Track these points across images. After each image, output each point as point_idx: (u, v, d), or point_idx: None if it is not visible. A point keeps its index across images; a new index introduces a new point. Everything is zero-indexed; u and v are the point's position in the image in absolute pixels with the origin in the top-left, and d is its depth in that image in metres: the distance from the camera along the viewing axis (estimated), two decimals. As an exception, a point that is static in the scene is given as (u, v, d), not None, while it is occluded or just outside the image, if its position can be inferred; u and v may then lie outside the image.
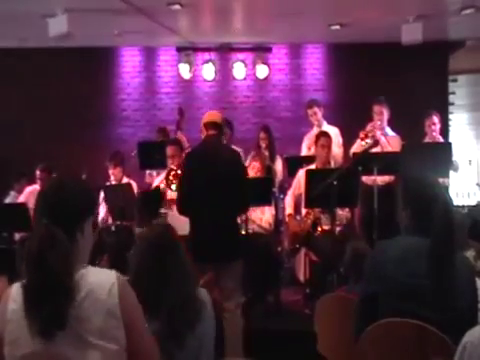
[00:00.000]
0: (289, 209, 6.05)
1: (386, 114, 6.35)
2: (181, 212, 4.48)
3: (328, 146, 5.91)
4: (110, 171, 6.72)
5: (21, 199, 7.03)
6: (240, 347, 4.36)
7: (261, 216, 5.98)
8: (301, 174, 5.84)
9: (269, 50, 9.38)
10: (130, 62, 9.67)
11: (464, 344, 1.95)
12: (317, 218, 5.73)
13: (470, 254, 3.54)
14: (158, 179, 6.51)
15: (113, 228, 6.38)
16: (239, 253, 4.43)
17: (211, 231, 4.26)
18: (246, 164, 6.48)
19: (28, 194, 6.99)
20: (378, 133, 6.10)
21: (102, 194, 6.32)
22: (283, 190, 6.88)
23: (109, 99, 9.62)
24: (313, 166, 5.91)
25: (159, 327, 2.44)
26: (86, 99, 9.20)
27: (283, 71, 9.63)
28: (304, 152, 7.15)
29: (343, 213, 5.79)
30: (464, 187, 10.13)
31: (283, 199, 6.56)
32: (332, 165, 6.10)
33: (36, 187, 7.04)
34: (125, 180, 6.68)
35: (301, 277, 5.99)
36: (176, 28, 8.24)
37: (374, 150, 5.81)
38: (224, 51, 9.40)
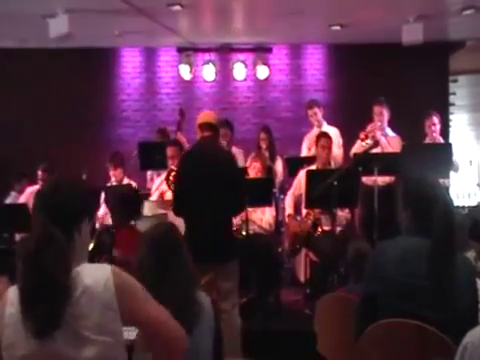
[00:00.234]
0: (289, 209, 6.05)
1: (386, 115, 6.35)
2: (176, 213, 4.50)
3: (329, 147, 5.91)
4: (111, 172, 6.72)
5: (22, 199, 7.03)
6: (239, 347, 4.36)
7: (261, 217, 5.98)
8: (301, 174, 5.85)
9: (269, 51, 9.38)
10: (130, 63, 9.67)
11: (465, 344, 1.94)
12: (317, 218, 5.73)
13: (471, 255, 3.55)
14: (158, 180, 6.51)
15: (113, 229, 6.36)
16: (234, 253, 4.43)
17: (206, 232, 4.26)
18: (247, 164, 6.50)
19: (29, 194, 6.98)
20: (378, 134, 6.10)
21: (103, 195, 6.32)
22: (283, 191, 6.88)
23: (109, 100, 9.62)
24: (313, 167, 5.91)
25: None
26: (86, 100, 9.20)
27: (283, 72, 9.63)
28: (304, 152, 7.15)
29: (343, 214, 5.79)
30: (464, 188, 10.12)
31: (283, 199, 6.57)
32: (332, 166, 6.10)
33: (37, 187, 7.04)
34: (126, 181, 6.68)
35: (301, 277, 5.99)
36: (176, 29, 8.25)
37: (374, 151, 5.82)
38: (224, 52, 9.40)
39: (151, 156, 6.50)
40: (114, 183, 6.71)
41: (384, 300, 2.46)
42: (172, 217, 4.75)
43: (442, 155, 5.65)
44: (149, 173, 7.37)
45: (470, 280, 2.48)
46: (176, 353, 2.03)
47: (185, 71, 9.24)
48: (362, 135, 6.09)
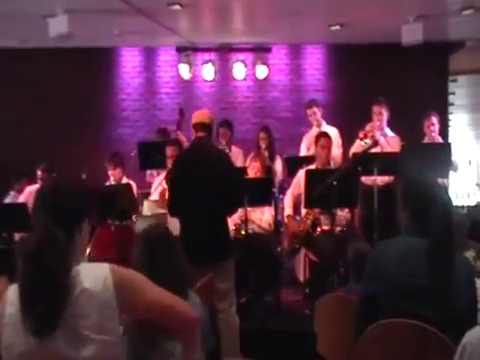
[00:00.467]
0: (288, 209, 6.04)
1: (385, 114, 6.35)
2: (171, 213, 4.52)
3: (328, 147, 5.91)
4: (110, 172, 6.71)
5: (21, 199, 7.02)
6: (237, 346, 4.37)
7: (261, 216, 5.98)
8: (301, 174, 5.85)
9: (269, 50, 9.39)
10: (130, 62, 9.67)
11: (464, 344, 1.95)
12: (316, 218, 5.73)
13: (470, 254, 3.54)
14: (158, 179, 6.52)
15: (113, 228, 6.36)
16: (230, 253, 4.44)
17: (201, 232, 4.26)
18: (246, 164, 6.50)
19: (28, 194, 6.97)
20: (377, 133, 6.10)
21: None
22: (283, 190, 6.88)
23: (109, 99, 9.63)
24: (313, 166, 5.91)
25: None
26: (86, 99, 9.20)
27: (283, 71, 9.63)
28: (303, 152, 7.15)
29: (343, 213, 5.79)
30: (464, 187, 10.12)
31: (283, 199, 6.57)
32: (331, 166, 6.10)
33: (36, 187, 7.04)
34: (125, 180, 6.68)
35: (301, 277, 5.99)
36: (176, 28, 8.25)
37: (374, 150, 5.81)
38: (224, 51, 9.40)
39: (150, 156, 6.50)
40: (113, 182, 6.70)
41: (384, 300, 2.46)
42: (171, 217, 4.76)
43: (441, 155, 5.65)
44: (148, 172, 7.37)
45: (469, 280, 2.49)
46: (189, 333, 2.11)
47: (184, 71, 9.25)
48: (361, 134, 6.09)
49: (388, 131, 6.36)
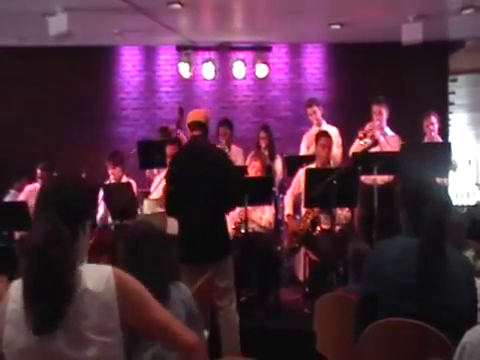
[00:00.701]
0: (288, 209, 6.05)
1: (385, 114, 6.34)
2: (169, 213, 4.54)
3: (329, 146, 5.91)
4: (109, 170, 6.72)
5: (21, 198, 7.02)
6: (238, 344, 4.37)
7: (261, 215, 5.98)
8: (301, 173, 5.85)
9: (269, 49, 9.39)
10: (130, 61, 9.66)
11: (463, 344, 1.95)
12: (316, 217, 5.73)
13: (469, 254, 3.54)
14: (158, 178, 6.52)
15: (112, 227, 6.38)
16: (228, 250, 4.44)
17: (200, 231, 4.27)
18: (246, 163, 6.50)
19: (28, 193, 6.98)
20: (377, 133, 6.09)
21: (101, 193, 6.33)
22: (283, 189, 6.88)
23: (109, 98, 9.62)
24: (313, 165, 5.91)
25: None
26: (86, 98, 9.19)
27: (283, 70, 9.63)
28: (303, 151, 7.15)
29: (343, 212, 5.79)
30: (463, 187, 10.14)
31: (283, 198, 6.57)
32: (331, 165, 6.10)
33: (36, 186, 7.04)
34: (124, 179, 6.68)
35: (301, 276, 5.99)
36: (176, 27, 8.24)
37: (373, 150, 5.81)
38: (224, 50, 9.39)
39: (151, 154, 6.50)
40: (113, 181, 6.71)
41: (383, 299, 2.47)
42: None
43: (441, 154, 5.65)
44: (148, 171, 7.37)
45: (469, 279, 2.49)
46: (192, 357, 2.01)
47: (184, 69, 9.24)
48: (360, 134, 6.08)
49: (388, 130, 6.36)
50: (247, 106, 9.61)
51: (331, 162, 6.11)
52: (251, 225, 5.79)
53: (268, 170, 6.44)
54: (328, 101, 9.06)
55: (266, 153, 6.96)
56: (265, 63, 9.27)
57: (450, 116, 9.82)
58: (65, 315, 1.81)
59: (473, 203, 9.05)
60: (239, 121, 8.88)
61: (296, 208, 6.09)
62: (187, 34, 8.72)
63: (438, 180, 5.00)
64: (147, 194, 6.63)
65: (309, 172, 5.48)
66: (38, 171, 7.06)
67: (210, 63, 9.21)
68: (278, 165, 7.15)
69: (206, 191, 4.26)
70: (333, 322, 3.37)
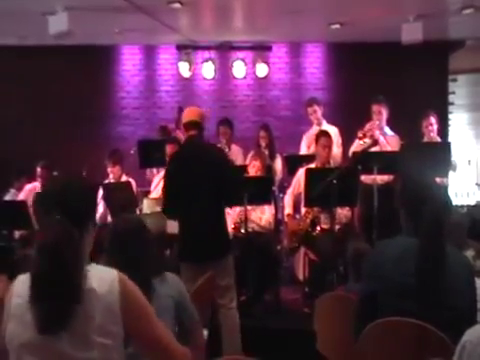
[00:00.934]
0: (288, 209, 6.05)
1: (385, 114, 6.33)
2: (166, 213, 4.52)
3: (329, 146, 5.90)
4: (109, 169, 6.70)
5: (21, 197, 7.02)
6: (239, 341, 4.37)
7: (261, 216, 5.97)
8: (301, 173, 5.85)
9: (269, 49, 9.39)
10: (130, 60, 9.67)
11: (463, 343, 1.95)
12: (316, 217, 5.73)
13: (469, 254, 3.54)
14: (158, 177, 6.52)
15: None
16: (229, 249, 4.44)
17: (199, 230, 4.26)
18: (246, 163, 6.50)
19: (28, 192, 6.98)
20: (377, 133, 6.09)
21: (101, 192, 6.32)
22: (283, 189, 6.88)
23: (109, 97, 9.62)
24: (312, 165, 5.91)
25: None
26: (86, 97, 9.19)
27: (283, 70, 9.63)
28: (303, 151, 7.15)
29: (343, 211, 5.79)
30: (463, 187, 10.13)
31: (282, 198, 6.57)
32: (331, 165, 6.10)
33: (36, 185, 7.04)
34: (124, 178, 6.67)
35: (300, 276, 5.99)
36: (176, 26, 8.25)
37: (373, 149, 5.81)
38: (224, 50, 9.40)
39: (150, 154, 6.50)
40: (112, 180, 6.70)
41: (383, 299, 2.47)
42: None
43: (441, 154, 5.64)
44: (148, 170, 7.37)
45: (468, 279, 2.49)
46: None
47: (184, 69, 9.24)
48: (360, 134, 6.07)
49: (388, 130, 6.35)
50: (247, 105, 9.62)
51: (331, 162, 6.11)
52: (251, 225, 5.78)
53: (268, 169, 6.44)
54: (328, 101, 9.05)
55: (266, 152, 6.96)
56: (265, 62, 9.27)
57: (450, 116, 9.82)
58: (72, 316, 1.81)
59: (473, 203, 9.05)
60: (239, 120, 8.87)
61: (296, 208, 6.08)
62: (187, 33, 8.72)
63: (438, 180, 5.00)
64: (147, 193, 6.62)
65: (309, 172, 5.48)
66: (38, 170, 7.05)
67: (210, 62, 9.22)
68: (278, 164, 7.15)
69: (205, 189, 4.26)
70: (333, 322, 3.37)
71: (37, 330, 1.80)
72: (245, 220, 5.52)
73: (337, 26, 8.07)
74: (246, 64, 9.31)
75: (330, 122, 7.14)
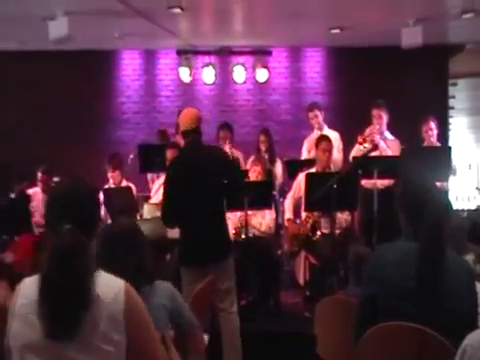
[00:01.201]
0: (288, 213, 6.04)
1: (385, 118, 6.33)
2: (165, 221, 4.43)
3: (329, 150, 5.90)
4: (109, 174, 6.70)
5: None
6: (239, 345, 4.36)
7: (261, 221, 5.96)
8: (301, 177, 5.85)
9: (269, 53, 9.41)
10: (130, 65, 9.69)
11: (464, 347, 1.95)
12: (316, 221, 5.73)
13: (469, 258, 3.54)
14: (158, 182, 6.51)
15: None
16: (229, 252, 4.43)
17: (200, 233, 4.25)
18: (247, 168, 6.50)
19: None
20: (377, 137, 6.09)
21: (101, 197, 6.32)
22: (283, 193, 6.89)
23: (109, 102, 9.64)
24: (313, 169, 5.91)
25: None
26: (86, 102, 9.22)
27: (283, 74, 9.65)
28: (304, 155, 7.15)
29: (343, 216, 5.79)
30: (464, 191, 10.12)
31: (283, 202, 6.57)
32: (332, 170, 6.09)
33: (36, 189, 7.04)
34: (124, 183, 6.67)
35: (301, 280, 5.99)
36: (176, 31, 8.26)
37: (374, 153, 5.81)
38: (224, 54, 9.42)
39: (150, 158, 6.50)
40: (112, 185, 6.70)
41: (383, 302, 2.47)
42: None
43: (441, 158, 5.64)
44: (149, 175, 7.37)
45: (469, 283, 2.49)
46: None
47: (185, 74, 9.26)
48: (360, 139, 6.07)
49: (388, 134, 6.35)
50: (247, 110, 9.64)
51: (331, 166, 6.10)
52: (251, 230, 5.78)
53: (268, 174, 6.44)
54: (328, 105, 9.07)
55: (266, 157, 6.96)
56: (265, 67, 9.29)
57: (450, 120, 9.82)
58: (81, 322, 1.81)
59: (473, 207, 9.03)
60: (239, 125, 8.89)
61: (296, 212, 6.08)
62: (187, 38, 8.74)
63: (438, 184, 5.00)
64: (147, 198, 6.62)
65: (309, 176, 5.48)
66: (39, 175, 7.06)
67: (210, 67, 9.24)
68: (278, 169, 7.16)
69: (207, 192, 4.26)
70: (333, 325, 3.37)
71: (44, 334, 1.81)
72: (246, 225, 5.52)
73: (337, 30, 8.08)
74: (246, 69, 9.34)
75: (330, 126, 7.14)
